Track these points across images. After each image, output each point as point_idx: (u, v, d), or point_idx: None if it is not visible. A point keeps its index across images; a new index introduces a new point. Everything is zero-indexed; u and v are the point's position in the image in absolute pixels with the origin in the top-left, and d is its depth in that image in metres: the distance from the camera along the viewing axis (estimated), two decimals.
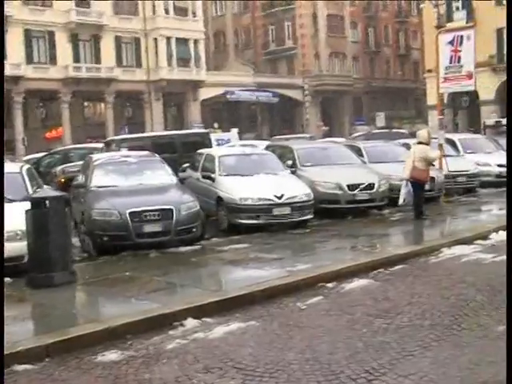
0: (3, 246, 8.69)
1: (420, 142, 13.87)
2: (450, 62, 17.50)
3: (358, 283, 8.58)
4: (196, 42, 55.85)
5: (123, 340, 6.66)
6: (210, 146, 18.76)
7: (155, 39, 54.17)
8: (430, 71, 37.95)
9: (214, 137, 24.82)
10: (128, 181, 12.41)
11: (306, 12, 62.81)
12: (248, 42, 69.38)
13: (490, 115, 47.10)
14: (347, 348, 6.11)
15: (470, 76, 17.52)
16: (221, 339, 6.61)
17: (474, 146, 21.71)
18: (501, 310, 7.08)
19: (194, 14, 56.28)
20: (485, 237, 11.57)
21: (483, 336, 6.31)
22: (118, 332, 6.80)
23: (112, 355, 6.26)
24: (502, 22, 48.19)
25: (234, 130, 35.62)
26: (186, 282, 9.14)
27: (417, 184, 13.51)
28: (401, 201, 13.64)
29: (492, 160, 20.48)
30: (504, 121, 36.95)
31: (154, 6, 53.67)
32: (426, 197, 14.33)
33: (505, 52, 50.18)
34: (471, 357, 5.77)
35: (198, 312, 7.30)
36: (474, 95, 47.29)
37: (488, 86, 49.52)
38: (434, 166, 14.43)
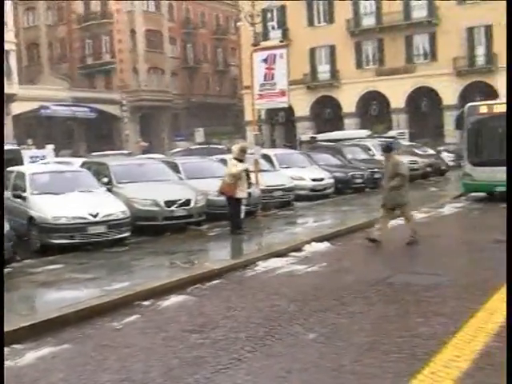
0: (3, 244, 8.60)
1: (235, 158, 14.18)
2: (265, 80, 18.04)
3: (174, 300, 8.54)
4: (6, 53, 53.30)
5: None
6: (22, 164, 17.95)
7: None
8: (247, 88, 38.90)
9: (27, 154, 23.82)
10: None
11: (124, 27, 62.22)
12: (63, 55, 67.36)
13: (305, 131, 49.13)
14: (162, 365, 6.05)
15: (283, 93, 18.16)
16: (30, 366, 6.30)
17: (290, 160, 22.48)
18: (312, 318, 7.37)
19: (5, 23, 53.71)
20: (299, 249, 12.02)
21: (295, 344, 6.51)
22: None
23: None
24: (315, 42, 50.88)
25: (50, 147, 34.39)
26: None
27: (232, 199, 13.79)
28: (242, 215, 13.95)
29: (306, 174, 21.36)
30: (319, 136, 38.76)
31: None
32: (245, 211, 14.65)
33: (318, 70, 52.91)
34: (283, 365, 5.92)
35: (8, 339, 6.88)
36: (289, 111, 49.21)
37: (303, 103, 51.75)
38: (250, 181, 14.60)
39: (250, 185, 14.48)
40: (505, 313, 7.08)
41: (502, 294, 7.95)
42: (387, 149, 13.08)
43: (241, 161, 14.08)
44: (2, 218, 8.39)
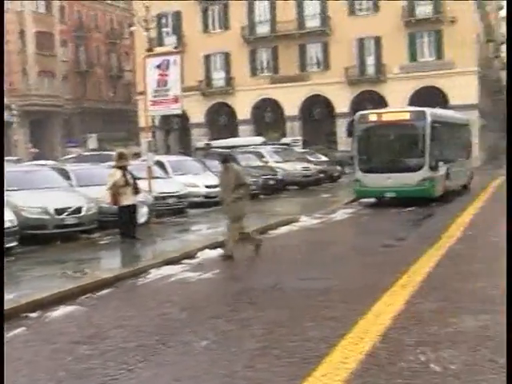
0: (3, 244, 8.36)
1: (115, 166, 13.98)
2: (158, 86, 17.91)
3: (63, 311, 8.30)
4: None
5: None
6: None
7: None
8: (141, 93, 38.43)
9: None
10: None
11: (13, 27, 60.17)
12: None
13: (201, 137, 49.08)
14: (50, 378, 5.86)
15: (176, 100, 18.07)
16: None
17: (183, 167, 22.43)
18: (204, 325, 7.34)
19: None
20: (192, 256, 11.98)
21: (186, 352, 6.46)
22: None
23: None
24: (210, 49, 50.95)
25: None
26: None
27: (122, 207, 13.61)
28: (141, 220, 13.71)
29: (200, 181, 21.36)
30: (214, 143, 38.76)
31: None
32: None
33: (213, 77, 53.04)
34: (174, 374, 5.87)
35: None
36: (185, 118, 49.07)
37: (198, 110, 51.70)
38: (136, 188, 14.19)
39: (136, 191, 14.10)
40: (391, 315, 7.33)
41: (388, 296, 8.22)
42: (225, 159, 12.50)
43: (122, 167, 13.80)
44: (2, 218, 7.96)
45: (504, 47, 77.75)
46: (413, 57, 47.58)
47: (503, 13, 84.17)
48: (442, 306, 7.72)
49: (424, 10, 47.03)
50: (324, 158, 35.05)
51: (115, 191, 13.56)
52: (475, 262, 10.66)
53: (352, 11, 48.59)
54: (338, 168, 33.31)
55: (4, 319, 7.10)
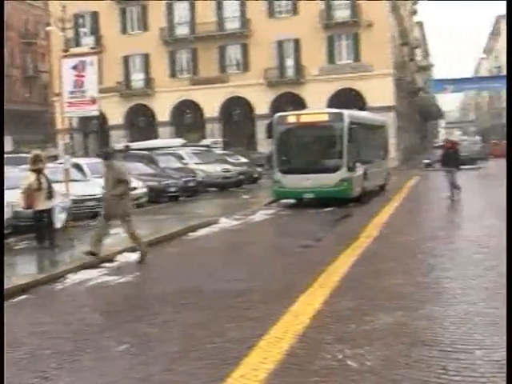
0: (3, 244, 8.12)
1: (30, 169, 13.63)
2: (74, 87, 17.57)
3: None
4: None
5: None
6: None
7: None
8: (57, 95, 37.63)
9: None
10: None
11: None
12: None
13: (120, 139, 48.44)
14: None
15: (93, 101, 17.76)
16: None
17: (102, 170, 22.04)
18: (122, 329, 7.26)
19: None
20: (111, 259, 11.80)
21: (104, 357, 6.36)
22: None
23: None
24: (128, 50, 50.40)
25: None
26: None
27: (36, 211, 13.30)
28: (58, 225, 13.45)
29: None
30: (133, 145, 38.29)
31: None
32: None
33: (132, 78, 52.47)
34: (91, 380, 5.76)
35: None
36: (103, 120, 48.37)
37: (116, 112, 51.09)
38: (51, 194, 13.75)
39: (50, 196, 13.69)
40: (309, 315, 7.42)
41: (307, 296, 8.33)
42: (106, 156, 12.24)
43: (37, 170, 13.44)
44: (2, 217, 7.57)
45: (418, 51, 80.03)
46: (331, 59, 48.40)
47: (417, 17, 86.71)
48: (358, 304, 7.86)
49: (342, 13, 47.92)
50: (244, 160, 35.18)
51: (29, 195, 13.21)
52: (391, 261, 10.91)
53: (271, 13, 49.03)
54: (258, 169, 33.50)
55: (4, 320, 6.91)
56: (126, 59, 52.32)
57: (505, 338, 6.28)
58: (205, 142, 41.42)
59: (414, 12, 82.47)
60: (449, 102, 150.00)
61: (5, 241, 14.17)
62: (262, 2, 48.70)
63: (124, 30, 52.43)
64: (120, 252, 12.28)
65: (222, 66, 50.71)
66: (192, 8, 50.29)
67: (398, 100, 51.33)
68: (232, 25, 50.03)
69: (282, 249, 13.22)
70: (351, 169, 20.44)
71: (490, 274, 9.34)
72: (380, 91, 46.07)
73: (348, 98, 43.60)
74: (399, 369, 5.61)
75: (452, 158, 21.46)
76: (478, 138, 58.72)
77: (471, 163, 37.44)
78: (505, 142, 64.86)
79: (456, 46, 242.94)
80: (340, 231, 15.60)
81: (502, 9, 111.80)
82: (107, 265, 11.41)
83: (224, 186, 28.60)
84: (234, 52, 50.81)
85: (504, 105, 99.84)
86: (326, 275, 9.64)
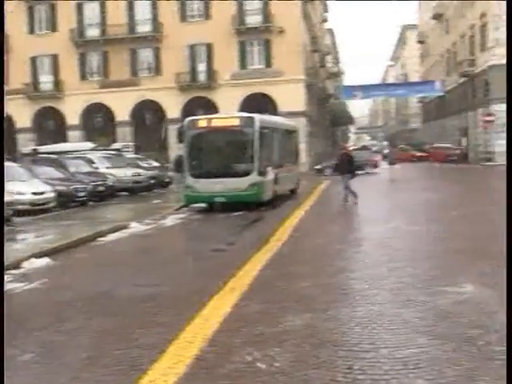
0: (3, 244, 8.32)
1: None
2: None
3: None
4: None
5: None
6: None
7: None
8: None
9: None
10: None
11: None
12: None
13: (27, 143, 47.23)
14: None
15: None
16: None
17: (9, 174, 21.34)
18: (28, 338, 7.09)
19: None
20: (17, 266, 11.48)
21: (9, 367, 6.09)
22: None
23: None
24: (37, 51, 49.17)
25: None
26: None
27: None
28: None
29: (27, 188, 20.53)
30: (41, 149, 37.37)
31: None
32: None
33: (40, 80, 51.20)
34: None
35: None
36: (9, 122, 47.00)
37: (24, 114, 49.80)
38: None
39: None
40: (219, 318, 7.45)
41: (217, 300, 8.36)
42: None
43: None
44: (2, 216, 7.07)
45: (329, 57, 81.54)
46: (243, 64, 48.71)
47: (327, 25, 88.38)
48: (268, 307, 7.95)
49: (254, 19, 48.30)
50: (155, 164, 34.95)
51: None
52: (300, 264, 11.07)
53: (184, 17, 48.90)
54: (170, 174, 33.37)
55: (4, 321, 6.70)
56: (33, 60, 51.05)
57: (408, 336, 6.53)
58: (116, 145, 40.91)
59: (325, 20, 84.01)
60: (359, 108, 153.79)
61: None
62: (175, 5, 48.54)
63: (32, 30, 51.15)
64: (27, 258, 11.97)
65: (134, 69, 50.20)
66: (102, 9, 49.58)
67: (309, 106, 52.18)
68: (144, 28, 49.63)
69: (193, 253, 13.21)
70: (262, 173, 20.64)
71: (394, 274, 9.63)
72: (291, 97, 46.74)
73: (260, 103, 44.00)
74: (308, 369, 5.71)
75: (345, 165, 21.96)
76: (385, 143, 60.37)
77: (364, 169, 39.39)
78: (409, 147, 67.10)
79: (365, 54, 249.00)
80: (251, 235, 15.71)
81: (408, 19, 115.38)
82: (13, 272, 11.09)
83: (135, 191, 28.32)
84: (145, 55, 50.39)
85: (410, 111, 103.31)
86: (237, 279, 9.69)
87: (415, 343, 6.31)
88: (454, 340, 6.35)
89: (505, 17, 45.83)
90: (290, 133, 28.00)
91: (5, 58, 18.92)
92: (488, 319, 7.04)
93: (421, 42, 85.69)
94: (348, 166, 21.95)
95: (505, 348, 6.01)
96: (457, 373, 5.52)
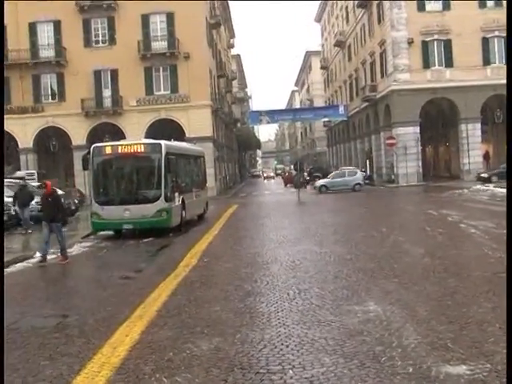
0: (3, 245, 8.16)
1: None
2: None
3: None
4: None
5: None
6: None
7: None
8: None
9: None
10: None
11: None
12: None
13: None
14: None
15: None
16: None
17: None
18: None
19: None
20: None
21: None
22: None
23: None
24: None
25: None
26: None
27: None
28: None
29: None
30: None
31: None
32: None
33: None
34: None
35: None
36: None
37: None
38: None
39: None
40: (127, 346, 7.39)
41: (125, 328, 8.28)
42: None
43: None
44: (2, 216, 6.50)
45: (235, 83, 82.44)
46: (149, 90, 48.47)
47: (234, 51, 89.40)
48: (177, 333, 7.94)
49: (159, 45, 48.27)
50: (61, 192, 34.17)
51: None
52: (209, 288, 11.12)
53: (88, 43, 48.31)
54: (76, 201, 32.74)
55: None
56: None
57: (316, 356, 6.67)
58: (19, 173, 39.79)
59: (232, 45, 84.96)
60: (267, 133, 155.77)
61: None
62: (79, 31, 47.94)
63: None
64: None
65: (37, 95, 49.06)
66: (4, 34, 48.39)
67: (216, 131, 52.43)
68: (47, 53, 48.71)
69: (102, 281, 13.03)
70: (169, 199, 20.60)
71: (302, 296, 9.81)
72: (198, 122, 46.90)
73: (167, 129, 43.87)
74: None
75: (51, 208, 16.64)
76: (292, 166, 61.33)
77: None
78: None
79: (272, 79, 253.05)
80: (160, 261, 15.62)
81: (312, 45, 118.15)
82: None
83: (40, 219, 27.55)
84: (49, 81, 49.40)
85: (316, 135, 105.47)
86: (146, 305, 9.64)
87: (322, 362, 6.47)
88: (359, 357, 6.54)
89: (402, 45, 48.03)
90: (197, 158, 28.08)
91: None
92: (391, 336, 7.29)
93: (324, 67, 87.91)
94: (53, 211, 16.53)
95: (407, 363, 6.25)
96: None
